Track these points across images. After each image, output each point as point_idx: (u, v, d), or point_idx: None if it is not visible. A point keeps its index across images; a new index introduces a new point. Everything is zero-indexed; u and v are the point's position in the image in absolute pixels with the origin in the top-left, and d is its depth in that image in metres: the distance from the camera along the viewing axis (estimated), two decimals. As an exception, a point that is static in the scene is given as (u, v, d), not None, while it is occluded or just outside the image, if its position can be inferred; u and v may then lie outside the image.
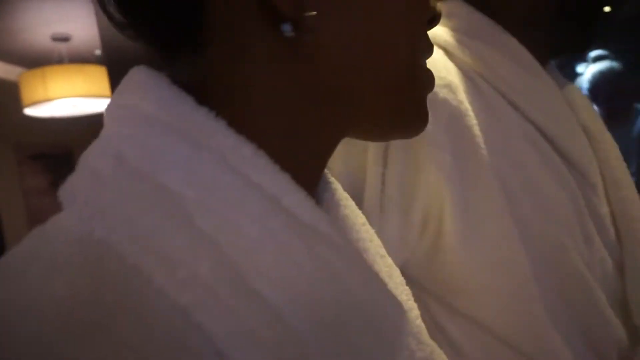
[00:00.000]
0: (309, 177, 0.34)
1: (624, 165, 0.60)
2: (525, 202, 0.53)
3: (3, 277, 0.26)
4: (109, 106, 0.32)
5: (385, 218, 0.52)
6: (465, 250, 0.52)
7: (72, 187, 0.29)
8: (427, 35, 0.35)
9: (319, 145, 0.34)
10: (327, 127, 0.33)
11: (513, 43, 0.58)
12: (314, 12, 0.29)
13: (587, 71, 2.09)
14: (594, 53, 2.03)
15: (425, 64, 0.35)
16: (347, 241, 0.33)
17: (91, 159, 0.30)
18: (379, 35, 0.31)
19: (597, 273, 0.54)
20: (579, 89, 0.66)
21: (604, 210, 0.57)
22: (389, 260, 0.39)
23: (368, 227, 0.39)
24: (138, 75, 0.32)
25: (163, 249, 0.26)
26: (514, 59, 0.58)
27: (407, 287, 0.40)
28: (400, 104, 0.34)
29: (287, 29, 0.29)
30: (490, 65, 0.57)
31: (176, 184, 0.27)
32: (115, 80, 1.35)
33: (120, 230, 0.26)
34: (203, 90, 0.31)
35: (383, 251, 0.39)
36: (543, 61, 0.60)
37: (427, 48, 0.35)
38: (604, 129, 0.63)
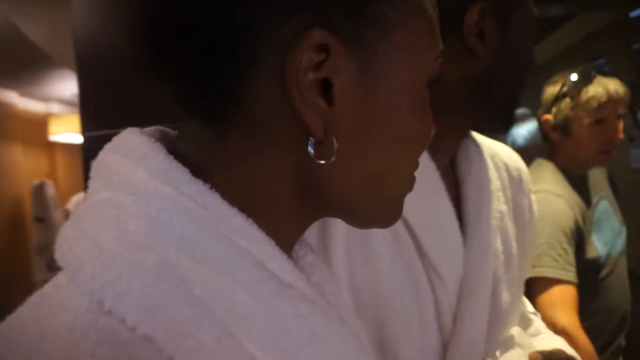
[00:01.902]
0: (289, 243, 0.37)
1: (487, 268, 0.67)
2: (362, 274, 0.60)
3: (16, 347, 0.27)
4: (98, 164, 0.34)
5: None
6: None
7: (74, 255, 0.30)
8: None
9: (303, 221, 0.37)
10: (313, 212, 0.37)
11: None
12: (337, 136, 0.32)
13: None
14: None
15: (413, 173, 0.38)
16: (323, 299, 0.36)
17: (89, 224, 0.31)
18: (387, 159, 0.35)
19: (427, 344, 0.63)
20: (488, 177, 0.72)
21: (449, 303, 0.64)
22: (350, 309, 0.43)
23: (333, 282, 0.43)
24: (133, 140, 0.33)
25: (171, 319, 0.27)
26: None
27: (362, 329, 0.44)
28: (386, 208, 0.37)
29: (311, 145, 0.32)
30: None
31: (176, 255, 0.29)
32: (86, 86, 1.31)
33: (130, 302, 0.27)
34: (202, 163, 0.33)
35: (348, 305, 0.43)
36: (456, 142, 0.67)
37: (418, 163, 0.39)
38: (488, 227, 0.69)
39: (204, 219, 0.30)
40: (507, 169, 0.77)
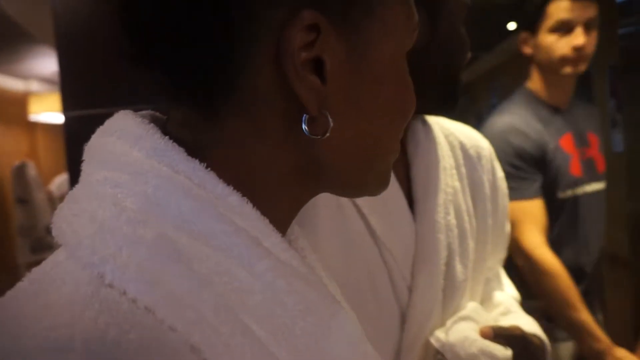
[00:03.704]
0: (284, 223, 0.38)
1: (437, 244, 0.70)
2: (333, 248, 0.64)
3: (19, 320, 0.27)
4: (92, 146, 0.34)
5: None
6: None
7: (72, 230, 0.30)
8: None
9: (296, 200, 0.38)
10: (307, 190, 0.38)
11: None
12: (330, 112, 0.33)
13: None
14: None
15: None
16: (315, 274, 0.37)
17: (86, 202, 0.31)
18: (377, 130, 0.36)
19: (384, 316, 0.67)
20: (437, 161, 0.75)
21: (403, 276, 0.68)
22: (330, 277, 0.45)
23: (316, 257, 0.44)
24: (128, 122, 0.34)
25: (171, 292, 0.28)
26: None
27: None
28: (377, 177, 0.39)
29: (305, 122, 0.33)
30: None
31: (173, 231, 0.30)
32: (66, 63, 1.28)
33: (130, 275, 0.28)
34: (196, 144, 0.33)
35: (327, 273, 0.45)
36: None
37: (403, 131, 0.40)
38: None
39: (201, 197, 0.31)
40: (463, 147, 0.80)
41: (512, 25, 3.94)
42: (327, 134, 0.33)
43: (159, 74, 0.33)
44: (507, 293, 0.87)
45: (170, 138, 0.33)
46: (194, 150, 0.33)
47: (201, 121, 0.34)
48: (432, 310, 0.68)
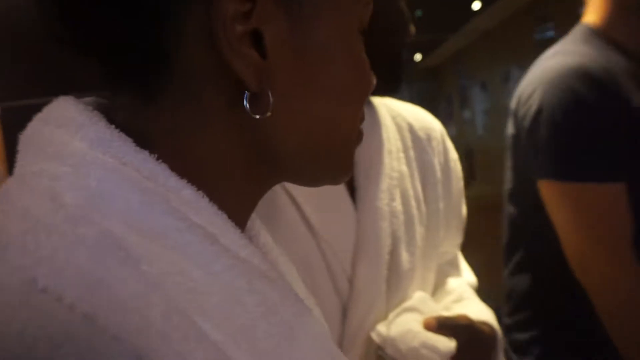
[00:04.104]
0: (242, 218, 0.36)
1: (378, 235, 0.68)
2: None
3: None
4: (28, 135, 0.31)
5: None
6: None
7: (2, 230, 0.27)
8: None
9: (253, 192, 0.36)
10: (263, 180, 0.36)
11: None
12: (274, 91, 0.31)
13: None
14: None
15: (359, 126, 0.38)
16: (277, 272, 0.35)
17: (18, 197, 0.28)
18: (329, 112, 0.34)
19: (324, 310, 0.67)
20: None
21: (342, 268, 0.65)
22: (295, 274, 0.43)
23: (288, 262, 0.43)
24: (68, 109, 0.31)
25: (114, 296, 0.25)
26: None
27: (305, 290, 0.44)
28: (336, 163, 0.37)
29: (247, 100, 0.31)
30: None
31: (120, 228, 0.27)
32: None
33: (67, 278, 0.25)
34: (144, 134, 0.31)
35: (292, 269, 0.43)
36: None
37: (363, 114, 0.38)
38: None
39: (151, 191, 0.29)
40: (411, 129, 0.77)
41: (476, 5, 4.00)
42: (269, 113, 0.31)
43: (91, 57, 0.31)
44: (463, 279, 0.83)
45: (117, 127, 0.30)
46: (143, 140, 0.30)
47: (144, 107, 0.32)
48: (374, 302, 0.65)
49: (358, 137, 0.38)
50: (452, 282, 0.81)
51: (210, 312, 0.28)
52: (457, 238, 0.83)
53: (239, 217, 0.34)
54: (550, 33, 3.21)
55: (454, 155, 0.81)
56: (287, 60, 0.32)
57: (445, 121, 7.22)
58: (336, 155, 0.36)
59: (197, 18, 0.30)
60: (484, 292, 0.83)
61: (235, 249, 0.31)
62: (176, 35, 0.30)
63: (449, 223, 0.79)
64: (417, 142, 0.76)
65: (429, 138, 0.78)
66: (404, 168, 0.73)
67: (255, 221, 0.40)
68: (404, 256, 0.69)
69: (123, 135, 0.30)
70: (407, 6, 0.70)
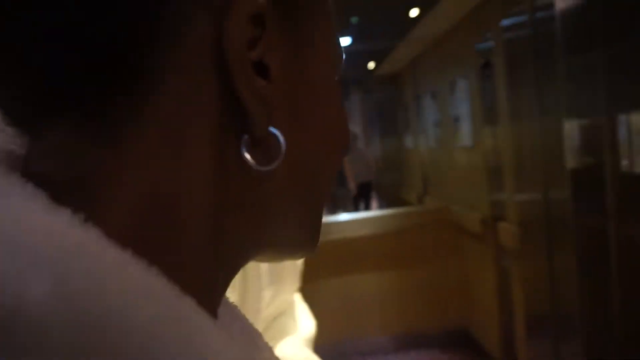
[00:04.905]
0: (213, 301, 0.29)
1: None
2: None
3: None
4: None
5: None
6: None
7: None
8: None
9: (229, 268, 0.29)
10: (244, 253, 0.30)
11: None
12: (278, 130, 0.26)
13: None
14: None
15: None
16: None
17: None
18: (320, 159, 0.30)
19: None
20: None
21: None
22: None
23: (268, 350, 0.36)
24: None
25: None
26: None
27: None
28: (316, 226, 0.32)
29: (245, 145, 0.25)
30: None
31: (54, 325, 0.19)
32: None
33: None
34: (71, 184, 0.24)
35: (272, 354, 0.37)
36: None
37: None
38: None
39: (77, 270, 0.20)
40: None
41: (414, 12, 3.97)
42: (277, 162, 0.26)
43: (30, 71, 0.23)
44: (297, 339, 0.74)
45: (26, 175, 0.23)
46: (66, 191, 0.23)
47: (87, 145, 0.24)
48: None
49: (329, 196, 0.34)
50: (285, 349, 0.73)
51: None
52: (294, 284, 0.78)
53: (212, 299, 0.28)
54: (491, 43, 3.14)
55: None
56: (288, 95, 0.28)
57: (403, 131, 7.21)
58: (317, 215, 0.32)
59: (198, 35, 0.24)
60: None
61: (207, 345, 0.23)
62: (164, 51, 0.23)
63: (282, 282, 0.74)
64: None
65: None
66: None
67: (225, 303, 0.34)
68: None
69: (31, 186, 0.22)
70: (342, 12, 0.62)
